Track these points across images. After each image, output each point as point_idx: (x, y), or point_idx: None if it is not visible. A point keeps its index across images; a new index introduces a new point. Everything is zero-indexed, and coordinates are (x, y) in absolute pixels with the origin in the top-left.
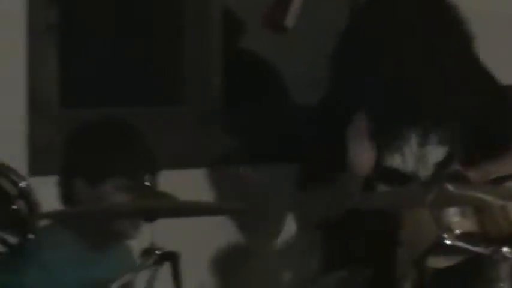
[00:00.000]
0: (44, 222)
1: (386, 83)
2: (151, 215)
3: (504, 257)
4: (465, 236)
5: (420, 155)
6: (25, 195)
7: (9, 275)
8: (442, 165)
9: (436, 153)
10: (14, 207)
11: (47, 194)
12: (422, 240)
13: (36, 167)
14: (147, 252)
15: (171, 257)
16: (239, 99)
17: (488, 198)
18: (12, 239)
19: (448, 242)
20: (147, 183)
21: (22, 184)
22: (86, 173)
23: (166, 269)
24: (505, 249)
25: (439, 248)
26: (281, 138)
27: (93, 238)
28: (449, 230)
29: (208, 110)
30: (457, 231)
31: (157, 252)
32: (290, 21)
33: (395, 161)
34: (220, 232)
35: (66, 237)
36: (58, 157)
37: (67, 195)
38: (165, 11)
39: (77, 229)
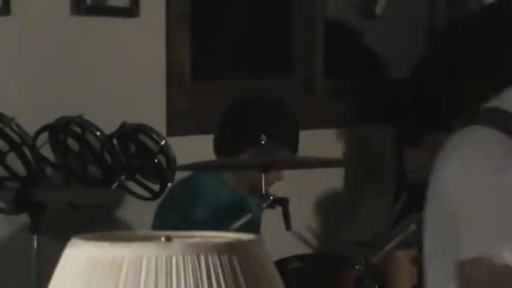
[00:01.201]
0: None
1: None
2: (266, 167)
3: None
4: None
5: None
6: (164, 151)
7: (181, 214)
8: None
9: None
10: (156, 161)
11: (182, 150)
12: None
13: (173, 129)
14: (263, 197)
15: (282, 202)
16: (338, 70)
17: None
18: (155, 187)
19: None
20: (263, 141)
21: (162, 142)
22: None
23: (278, 211)
24: None
25: None
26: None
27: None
28: None
29: (312, 78)
30: None
31: (271, 197)
32: (379, 9)
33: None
34: (322, 181)
35: (221, 182)
36: (191, 121)
37: (226, 148)
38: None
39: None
